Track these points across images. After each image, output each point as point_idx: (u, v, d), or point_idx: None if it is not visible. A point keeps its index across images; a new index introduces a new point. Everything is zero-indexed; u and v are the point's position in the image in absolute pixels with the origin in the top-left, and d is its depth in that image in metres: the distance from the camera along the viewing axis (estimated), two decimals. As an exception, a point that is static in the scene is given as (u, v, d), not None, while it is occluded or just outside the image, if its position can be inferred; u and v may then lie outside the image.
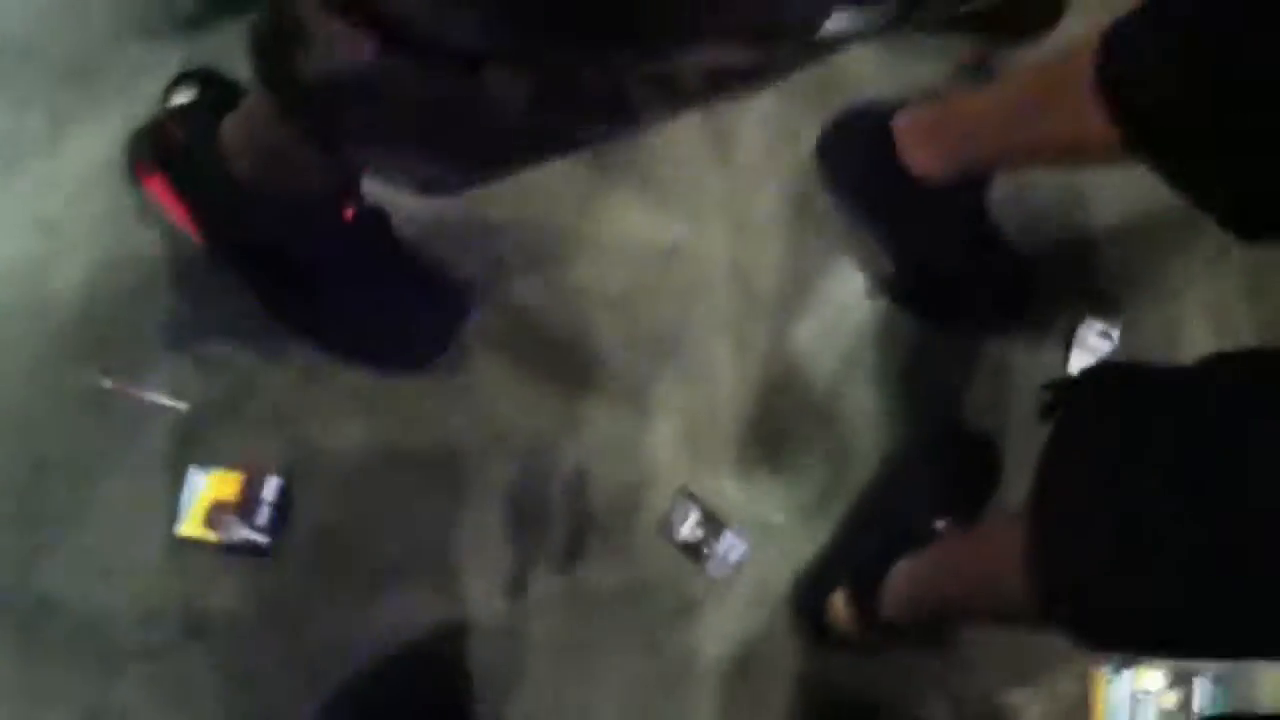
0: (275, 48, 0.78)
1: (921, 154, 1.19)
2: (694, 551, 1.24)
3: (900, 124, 1.20)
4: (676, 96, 0.70)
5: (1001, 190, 1.26)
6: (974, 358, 1.35)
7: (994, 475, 1.28)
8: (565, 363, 1.26)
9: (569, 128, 0.76)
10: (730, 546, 1.25)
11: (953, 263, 1.26)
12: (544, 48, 0.65)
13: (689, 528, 1.24)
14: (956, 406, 1.35)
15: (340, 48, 0.71)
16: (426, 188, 0.87)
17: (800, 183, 1.32)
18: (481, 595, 1.21)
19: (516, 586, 1.23)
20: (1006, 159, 1.17)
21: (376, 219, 1.11)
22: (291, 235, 1.08)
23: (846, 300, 1.34)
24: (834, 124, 1.29)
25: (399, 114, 0.75)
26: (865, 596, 1.18)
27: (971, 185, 1.21)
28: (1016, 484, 1.27)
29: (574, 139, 0.81)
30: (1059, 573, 0.85)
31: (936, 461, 1.29)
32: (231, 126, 1.03)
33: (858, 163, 1.25)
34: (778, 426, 1.30)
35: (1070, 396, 0.92)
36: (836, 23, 0.61)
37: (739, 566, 1.26)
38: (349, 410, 1.20)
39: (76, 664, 1.12)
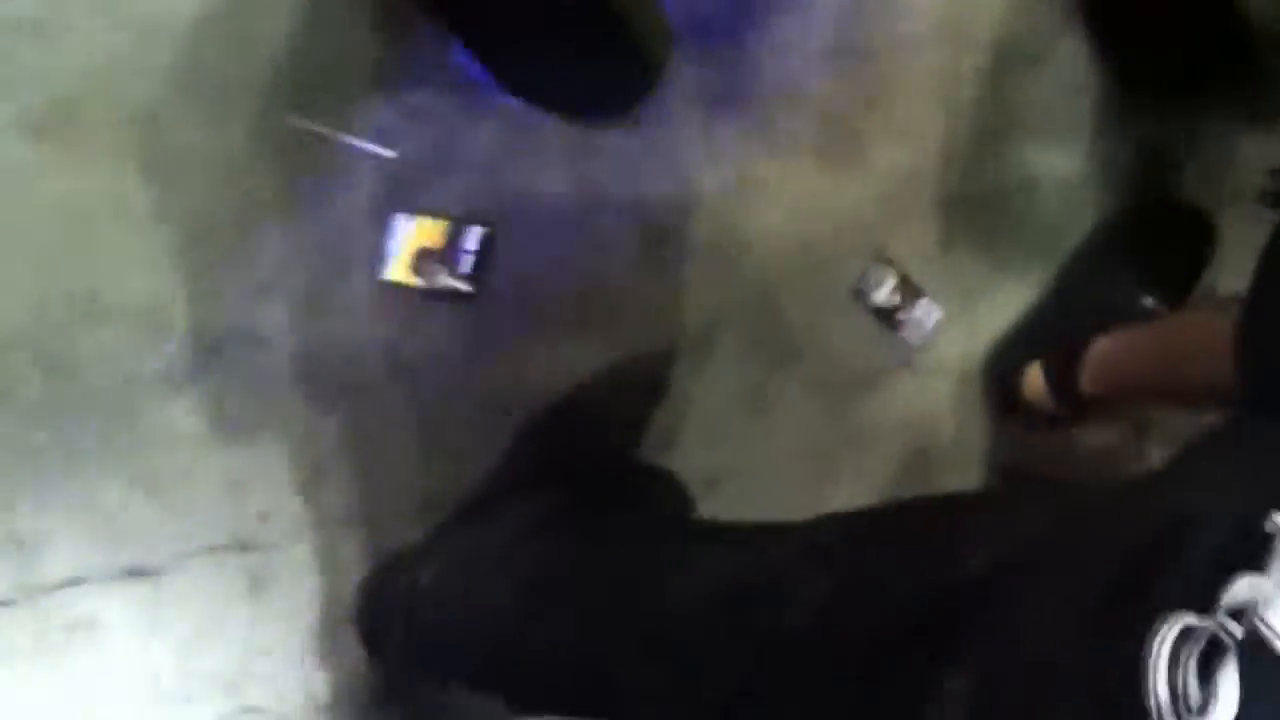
0: None
1: None
2: (888, 317, 1.30)
3: None
4: None
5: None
6: (1198, 129, 1.34)
7: (1206, 252, 1.29)
8: (766, 116, 1.26)
9: None
10: (927, 312, 1.30)
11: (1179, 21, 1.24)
12: None
13: (885, 293, 1.30)
14: (1174, 179, 1.35)
15: None
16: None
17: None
18: (669, 348, 1.26)
19: (705, 340, 1.28)
20: None
21: None
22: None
23: (1062, 64, 1.32)
24: None
25: None
26: (1064, 369, 1.22)
27: None
28: (1229, 266, 1.31)
29: None
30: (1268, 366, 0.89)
31: (1147, 234, 1.29)
32: None
33: None
34: (983, 191, 1.31)
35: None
36: None
37: (933, 334, 1.31)
38: (550, 159, 1.22)
39: (289, 398, 1.20)
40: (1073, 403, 1.21)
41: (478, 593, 1.00)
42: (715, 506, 1.25)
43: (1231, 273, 1.31)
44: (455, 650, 1.02)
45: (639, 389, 1.25)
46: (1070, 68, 1.32)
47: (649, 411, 1.25)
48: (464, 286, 1.17)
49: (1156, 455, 1.36)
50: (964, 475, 1.30)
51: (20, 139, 1.11)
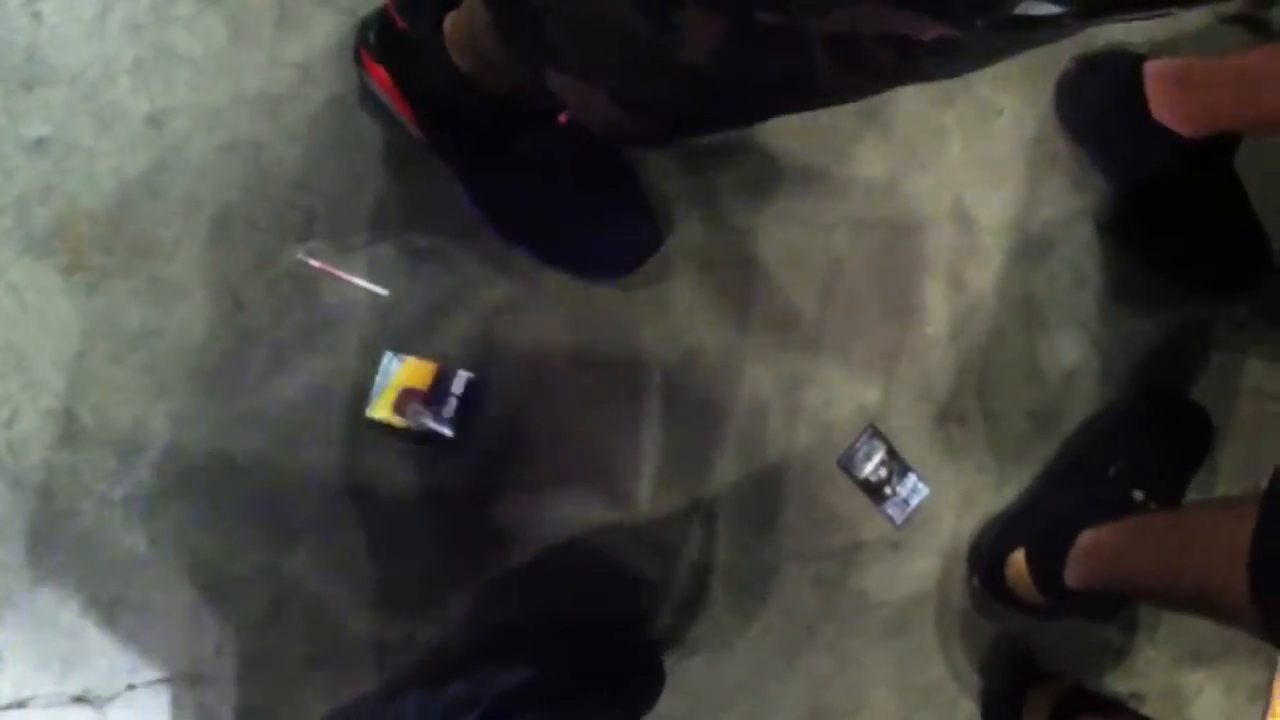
0: None
1: (1168, 105, 1.27)
2: (874, 491, 1.37)
3: (1151, 72, 1.29)
4: (863, 69, 0.73)
5: (1247, 152, 1.32)
6: (1201, 325, 1.42)
7: (1201, 451, 1.37)
8: (766, 288, 1.34)
9: (752, 91, 0.80)
10: (913, 490, 1.38)
11: (1191, 219, 1.35)
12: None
13: (872, 466, 1.37)
14: (1174, 374, 1.42)
15: None
16: (610, 133, 0.93)
17: (1034, 125, 1.40)
18: (654, 507, 1.31)
19: (691, 501, 1.33)
20: (1254, 123, 1.26)
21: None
22: (505, 133, 1.16)
23: (1072, 248, 1.40)
24: (1081, 61, 1.37)
25: (596, 43, 0.80)
26: (1048, 559, 1.26)
27: (1218, 143, 1.30)
28: (1227, 467, 1.39)
29: (758, 104, 0.86)
30: None
31: (1143, 428, 1.35)
32: (453, 22, 1.09)
33: (1102, 103, 1.32)
34: (980, 373, 1.37)
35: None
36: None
37: (917, 511, 1.38)
38: (545, 310, 1.28)
39: (257, 527, 1.24)
40: (1058, 593, 1.25)
41: None
42: (689, 677, 1.30)
43: (1230, 474, 1.39)
44: None
45: (614, 549, 1.30)
46: (1082, 255, 1.41)
47: (621, 572, 1.29)
48: (445, 430, 1.24)
49: (1149, 654, 1.42)
50: (944, 659, 1.35)
51: (20, 254, 1.19)
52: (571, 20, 0.79)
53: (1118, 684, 1.38)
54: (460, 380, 1.25)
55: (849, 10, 0.66)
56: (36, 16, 1.16)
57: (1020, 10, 0.61)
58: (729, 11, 0.69)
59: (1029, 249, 1.39)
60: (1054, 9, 0.61)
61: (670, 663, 1.27)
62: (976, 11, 0.63)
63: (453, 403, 1.25)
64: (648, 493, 1.31)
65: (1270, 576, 0.89)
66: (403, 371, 1.24)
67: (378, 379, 1.25)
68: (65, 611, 1.22)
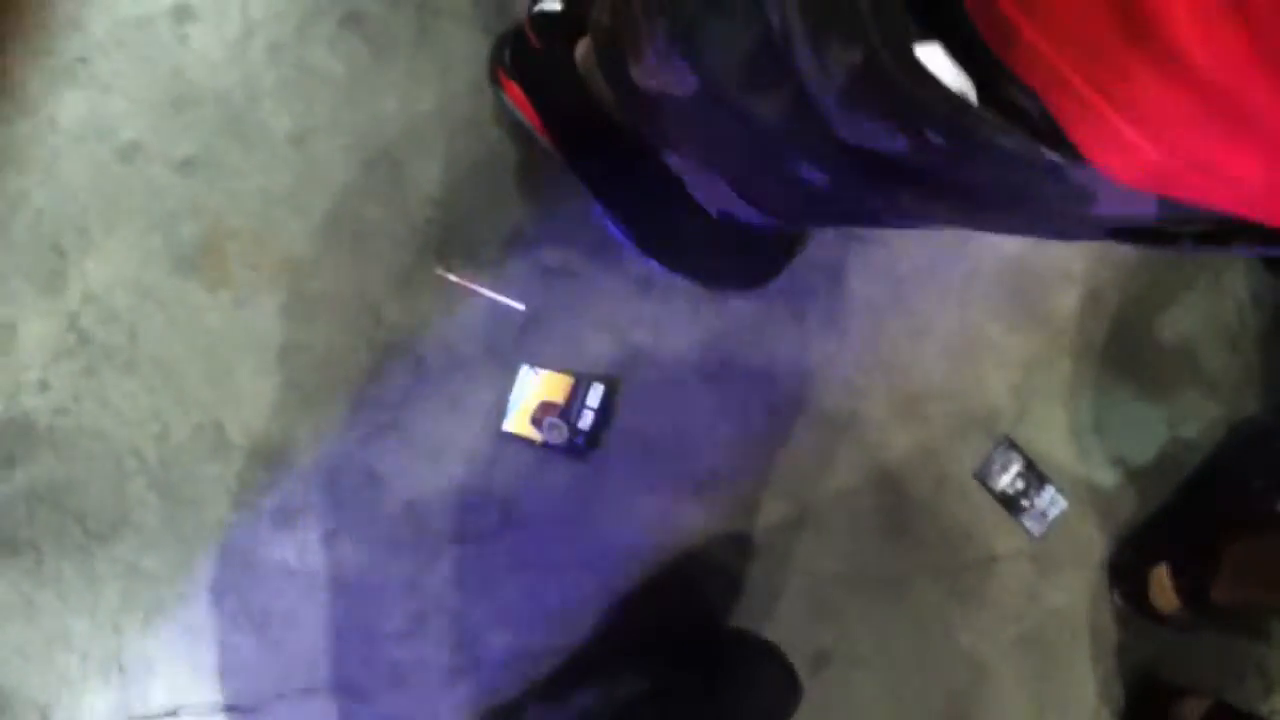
0: (613, 52, 0.93)
1: None
2: (1011, 503, 1.47)
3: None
4: (975, 224, 0.82)
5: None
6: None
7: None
8: (904, 299, 1.43)
9: (866, 213, 0.89)
10: (1051, 502, 1.47)
11: None
12: (848, 178, 0.78)
13: (1009, 478, 1.47)
14: (1317, 385, 1.51)
15: (662, 77, 0.84)
16: (726, 214, 1.02)
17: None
18: (787, 517, 1.40)
19: (821, 512, 1.42)
20: None
21: None
22: (638, 149, 1.25)
23: (1216, 256, 1.47)
24: None
25: (710, 144, 0.88)
26: (1194, 574, 1.33)
27: None
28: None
29: (874, 221, 0.94)
30: None
31: (1286, 438, 1.44)
32: (584, 48, 1.18)
33: None
34: (1118, 383, 1.44)
35: None
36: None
37: (1056, 524, 1.49)
38: (679, 324, 1.38)
39: (399, 541, 1.36)
40: (1203, 608, 1.32)
41: None
42: (824, 685, 1.38)
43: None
44: None
45: (746, 559, 1.41)
46: (1222, 263, 1.47)
47: (755, 583, 1.39)
48: (581, 441, 1.36)
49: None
50: (1083, 672, 1.45)
51: (168, 271, 1.30)
52: (693, 125, 0.87)
53: (1263, 701, 1.44)
54: (595, 392, 1.35)
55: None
56: (183, 39, 1.29)
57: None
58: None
59: (1166, 258, 1.44)
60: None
61: (804, 674, 1.34)
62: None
63: (588, 415, 1.35)
64: (778, 504, 1.40)
65: None
66: (539, 384, 1.34)
67: (514, 392, 1.35)
68: (216, 622, 1.32)
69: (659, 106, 0.89)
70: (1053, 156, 0.57)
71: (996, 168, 0.62)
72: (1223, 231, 0.65)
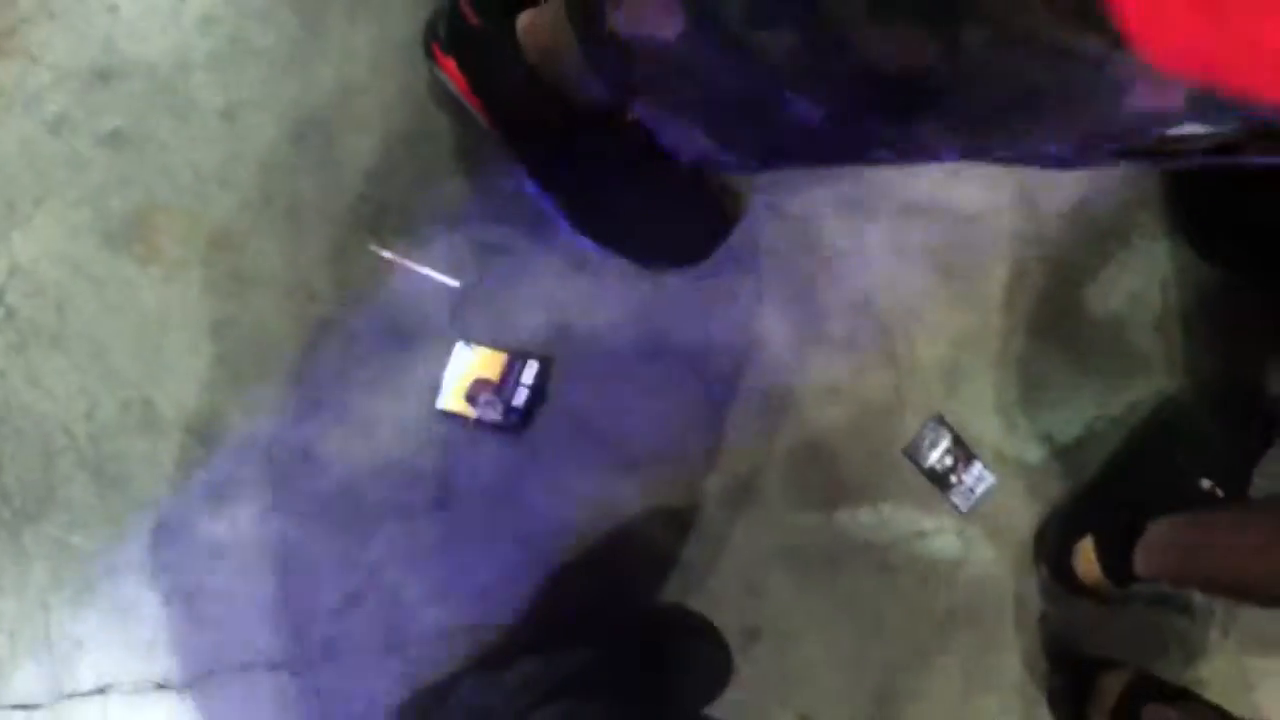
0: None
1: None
2: (940, 479, 1.52)
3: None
4: (980, 151, 0.81)
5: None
6: (1268, 315, 1.52)
7: (1268, 441, 1.47)
8: (831, 276, 1.45)
9: (855, 150, 0.88)
10: (978, 478, 1.52)
11: (1256, 213, 1.48)
12: (855, 111, 0.76)
13: (938, 454, 1.52)
14: (1240, 364, 1.52)
15: (648, 17, 0.84)
16: (697, 160, 1.01)
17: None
18: (719, 493, 1.44)
19: (752, 488, 1.46)
20: None
21: None
22: (572, 126, 1.26)
23: (1137, 235, 1.50)
24: None
25: (688, 91, 0.88)
26: (1117, 548, 1.37)
27: None
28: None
29: (858, 159, 0.94)
30: None
31: (1209, 417, 1.46)
32: (528, 23, 1.18)
33: None
34: (1046, 360, 1.48)
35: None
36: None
37: (984, 499, 1.53)
38: (614, 301, 1.40)
39: (333, 518, 1.37)
40: (1126, 581, 1.36)
41: None
42: (755, 661, 1.42)
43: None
44: None
45: (678, 535, 1.44)
46: (1148, 243, 1.51)
47: (687, 559, 1.42)
48: (515, 419, 1.38)
49: (1214, 641, 1.57)
50: (1009, 645, 1.49)
51: (98, 245, 1.31)
52: (673, 73, 0.86)
53: (1184, 671, 1.49)
54: (530, 369, 1.37)
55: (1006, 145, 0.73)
56: (113, 9, 1.30)
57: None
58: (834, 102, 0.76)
59: (1094, 236, 1.49)
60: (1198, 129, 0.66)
61: (735, 648, 1.37)
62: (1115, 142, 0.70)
63: (523, 392, 1.38)
64: (711, 480, 1.43)
65: None
66: (474, 361, 1.37)
67: (449, 369, 1.37)
68: (146, 599, 1.34)
69: (635, 56, 0.88)
70: (1095, 44, 0.58)
71: (1031, 65, 0.62)
72: (1233, 144, 0.65)
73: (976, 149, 0.78)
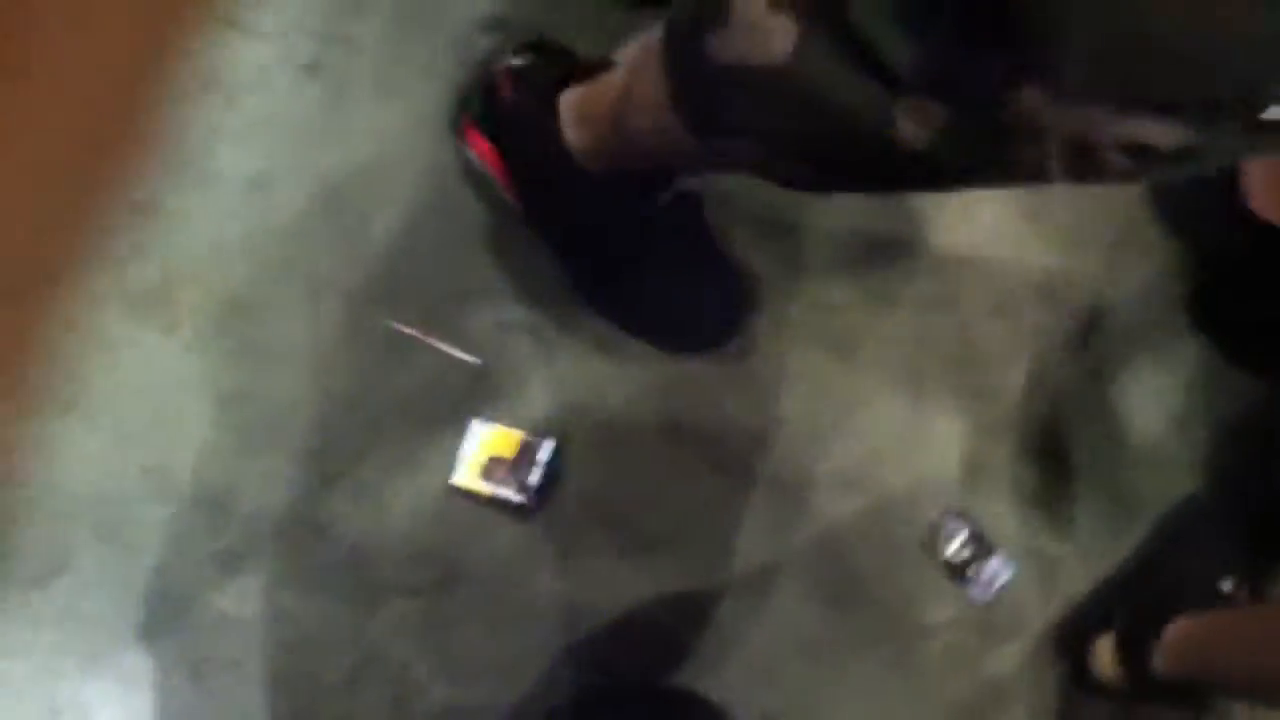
0: (689, 27, 0.92)
1: (1265, 194, 1.43)
2: (957, 572, 1.51)
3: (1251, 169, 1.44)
4: (1094, 172, 0.79)
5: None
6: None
7: (1291, 541, 1.51)
8: (851, 365, 1.46)
9: (963, 176, 0.87)
10: (996, 572, 1.51)
11: (1273, 310, 1.50)
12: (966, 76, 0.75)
13: (955, 546, 1.51)
14: (1261, 462, 1.55)
15: (757, 37, 0.84)
16: (780, 182, 1.02)
17: (1128, 208, 1.54)
18: (734, 580, 1.44)
19: (767, 577, 1.46)
20: None
21: (692, 204, 1.32)
22: (608, 211, 1.29)
23: (1157, 330, 1.52)
24: None
25: (787, 114, 0.87)
26: (1136, 647, 1.36)
27: None
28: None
29: (966, 185, 0.93)
30: None
31: (1233, 517, 1.47)
32: (579, 96, 1.20)
33: (1198, 189, 1.48)
34: (1067, 457, 1.48)
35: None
36: None
37: (1002, 594, 1.53)
38: (633, 385, 1.41)
39: (342, 592, 1.38)
40: (1144, 681, 1.36)
41: None
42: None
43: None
44: None
45: (691, 621, 1.45)
46: (1168, 339, 1.52)
47: (700, 645, 1.42)
48: (530, 498, 1.38)
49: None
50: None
51: (118, 312, 1.32)
52: (771, 96, 0.86)
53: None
54: (546, 449, 1.38)
55: (1113, 123, 0.72)
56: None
57: (1270, 115, 0.66)
58: (959, 106, 0.76)
59: (1118, 332, 1.50)
60: None
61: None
62: (1224, 116, 0.69)
63: (537, 472, 1.38)
64: (723, 563, 1.44)
65: None
66: (490, 439, 1.37)
67: (464, 446, 1.38)
68: (153, 668, 1.34)
69: (732, 83, 0.87)
70: None
71: None
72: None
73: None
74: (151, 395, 1.31)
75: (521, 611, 1.41)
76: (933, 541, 1.40)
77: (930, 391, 1.44)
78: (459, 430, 1.38)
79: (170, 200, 1.30)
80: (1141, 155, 0.73)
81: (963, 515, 1.40)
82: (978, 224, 1.47)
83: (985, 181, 0.88)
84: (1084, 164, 0.76)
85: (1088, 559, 1.46)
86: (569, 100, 1.20)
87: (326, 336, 1.34)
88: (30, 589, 1.29)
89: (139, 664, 1.34)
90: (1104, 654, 1.38)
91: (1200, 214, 1.41)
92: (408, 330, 1.32)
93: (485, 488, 1.37)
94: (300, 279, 1.33)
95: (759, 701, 1.43)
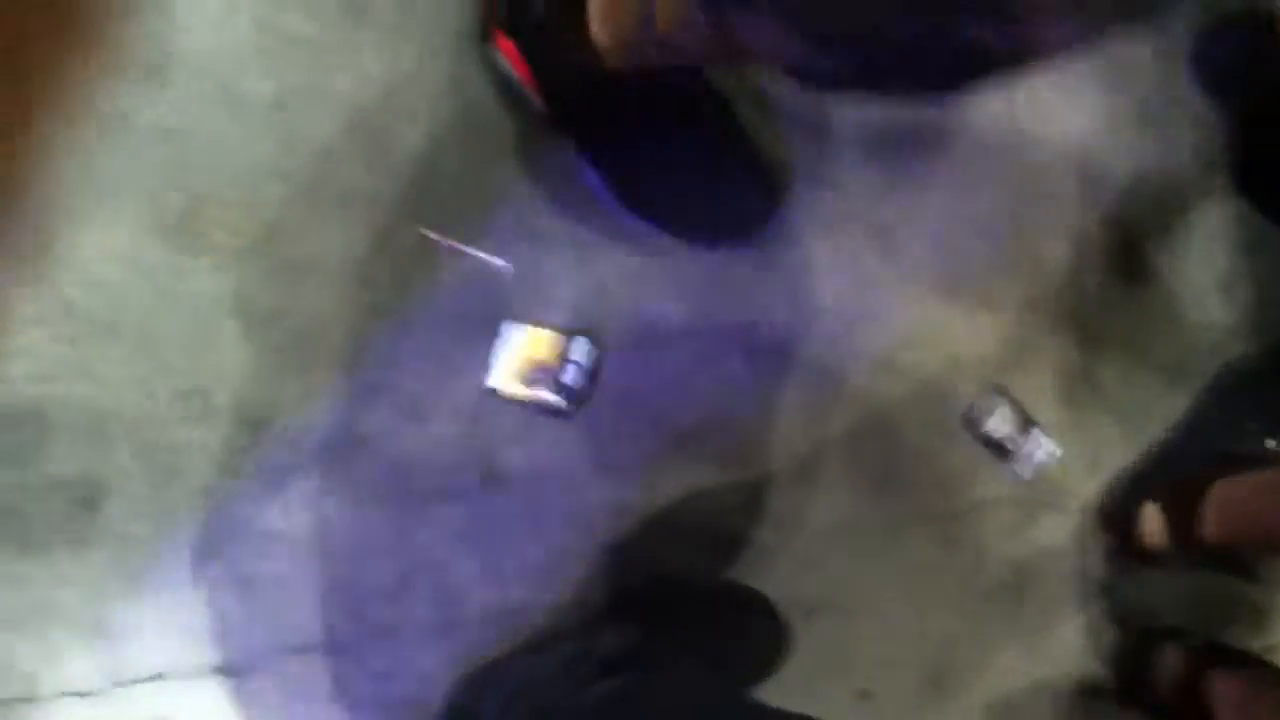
0: None
1: None
2: (998, 448, 1.53)
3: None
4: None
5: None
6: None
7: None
8: (885, 247, 1.46)
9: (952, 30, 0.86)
10: (1038, 446, 1.53)
11: None
12: None
13: (996, 422, 1.53)
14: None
15: None
16: (797, 73, 1.03)
17: (1166, 75, 1.53)
18: (775, 470, 1.46)
19: (810, 464, 1.48)
20: None
21: (720, 100, 1.33)
22: (636, 109, 1.29)
23: (1203, 202, 1.51)
24: (1219, 18, 1.51)
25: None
26: (1183, 511, 1.39)
27: None
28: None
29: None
30: None
31: (1277, 378, 1.48)
32: None
33: (1237, 57, 1.46)
34: (1109, 327, 1.50)
35: None
36: None
37: (1044, 468, 1.54)
38: (664, 281, 1.42)
39: (386, 502, 1.39)
40: (1190, 546, 1.38)
41: None
42: (813, 635, 1.44)
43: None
44: None
45: (734, 513, 1.46)
46: (1213, 208, 1.52)
47: (743, 537, 1.44)
48: (567, 399, 1.39)
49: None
50: (1070, 616, 1.51)
51: (150, 237, 1.32)
52: None
53: (1252, 638, 1.51)
54: (580, 347, 1.39)
55: None
56: (161, 8, 1.34)
57: None
58: None
59: (1158, 201, 1.50)
60: None
61: (793, 623, 1.40)
62: None
63: (573, 370, 1.40)
64: (763, 454, 1.45)
65: None
66: (525, 341, 1.39)
67: (500, 349, 1.39)
68: (201, 586, 1.36)
69: None
70: None
71: None
72: None
73: None
74: (188, 319, 1.32)
75: (563, 512, 1.42)
76: (973, 419, 1.41)
77: (967, 272, 1.45)
78: (494, 335, 1.39)
79: (194, 125, 1.29)
80: None
81: (1002, 392, 1.41)
82: (1012, 104, 1.46)
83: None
84: None
85: (1130, 430, 1.47)
86: None
87: (357, 250, 1.35)
88: (77, 514, 1.32)
89: (187, 583, 1.36)
90: (1150, 522, 1.39)
91: (1238, 78, 1.39)
92: (438, 238, 1.33)
93: (522, 390, 1.38)
94: (328, 195, 1.34)
95: (806, 590, 1.45)
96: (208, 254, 1.29)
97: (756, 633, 1.36)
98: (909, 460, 1.44)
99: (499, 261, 1.34)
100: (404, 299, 1.34)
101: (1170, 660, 1.39)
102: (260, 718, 1.37)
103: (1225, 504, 1.33)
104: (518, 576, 1.42)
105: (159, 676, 1.36)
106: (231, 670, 1.38)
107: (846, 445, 1.44)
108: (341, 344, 1.36)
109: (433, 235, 1.32)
